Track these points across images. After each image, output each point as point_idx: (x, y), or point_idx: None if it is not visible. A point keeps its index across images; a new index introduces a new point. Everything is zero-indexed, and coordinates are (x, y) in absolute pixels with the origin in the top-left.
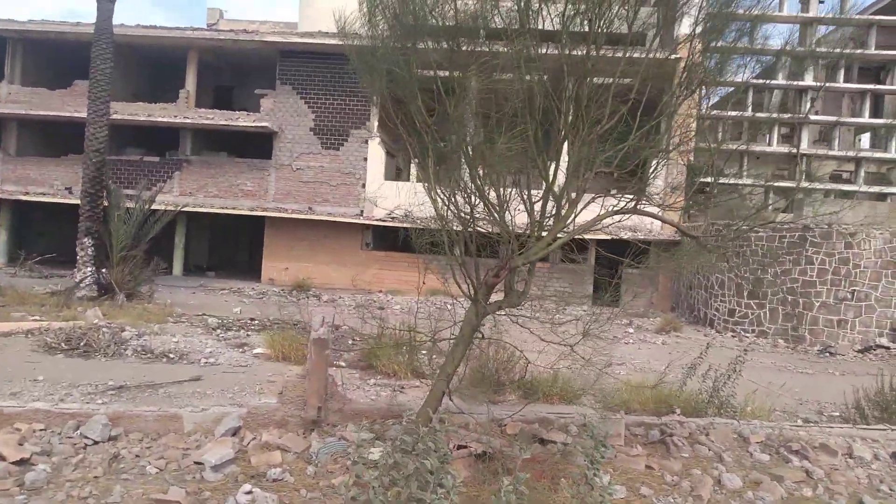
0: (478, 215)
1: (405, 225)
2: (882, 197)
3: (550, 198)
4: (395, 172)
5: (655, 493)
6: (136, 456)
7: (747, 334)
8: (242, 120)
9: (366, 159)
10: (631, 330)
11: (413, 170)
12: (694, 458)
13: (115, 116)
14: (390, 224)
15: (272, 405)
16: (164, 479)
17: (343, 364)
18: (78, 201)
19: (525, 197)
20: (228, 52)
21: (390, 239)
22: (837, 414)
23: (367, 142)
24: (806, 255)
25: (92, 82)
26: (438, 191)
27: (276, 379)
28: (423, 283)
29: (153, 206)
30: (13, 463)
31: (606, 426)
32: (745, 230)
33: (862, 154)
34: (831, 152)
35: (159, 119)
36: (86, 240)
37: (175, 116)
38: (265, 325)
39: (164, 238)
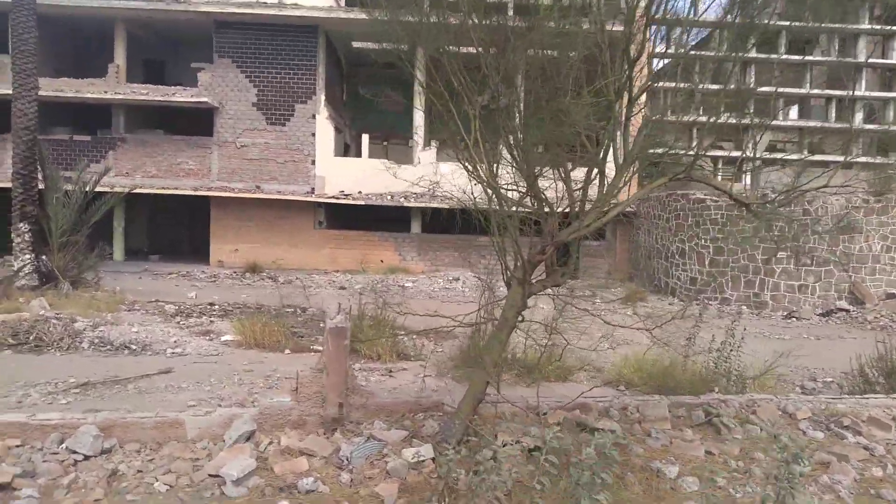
0: (521, 189)
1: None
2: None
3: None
4: (343, 148)
5: (729, 483)
6: (139, 471)
7: (710, 302)
8: (179, 95)
9: (314, 135)
10: (597, 301)
11: (365, 146)
12: (749, 440)
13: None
14: (343, 201)
15: (286, 404)
16: (179, 497)
17: (320, 349)
18: (2, 184)
19: (563, 172)
20: (159, 24)
21: (343, 217)
22: (831, 380)
23: (314, 117)
24: (766, 222)
25: (15, 54)
26: (478, 164)
27: (252, 368)
28: (382, 261)
29: (96, 188)
30: None
31: (651, 409)
32: (794, 196)
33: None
34: (777, 122)
35: (88, 95)
36: (21, 225)
37: (105, 92)
38: (227, 310)
39: (102, 221)
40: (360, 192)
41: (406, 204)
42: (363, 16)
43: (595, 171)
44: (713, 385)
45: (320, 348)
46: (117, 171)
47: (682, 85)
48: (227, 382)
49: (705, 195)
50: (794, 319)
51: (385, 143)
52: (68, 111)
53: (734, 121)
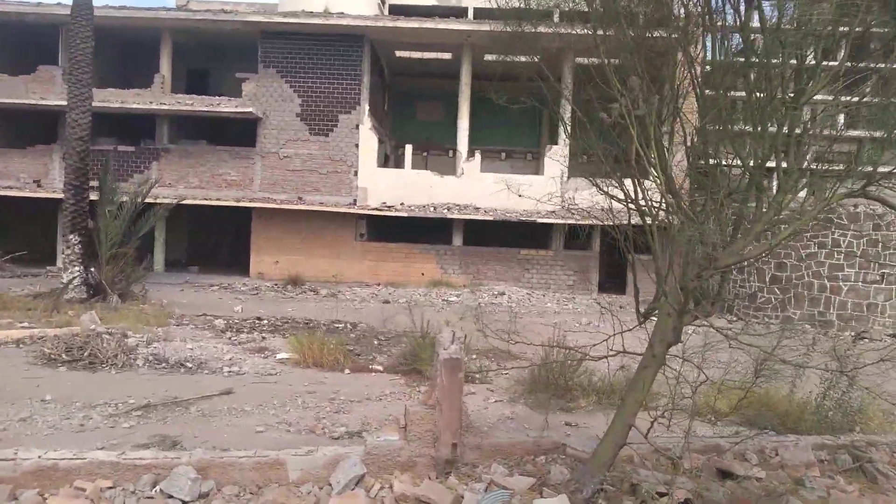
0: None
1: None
2: None
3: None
4: (384, 159)
5: None
6: None
7: (771, 320)
8: (224, 106)
9: (357, 145)
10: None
11: (408, 157)
12: None
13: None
14: (386, 213)
15: (394, 443)
16: None
17: (380, 368)
18: (46, 195)
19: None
20: (204, 34)
21: (384, 229)
22: None
23: (357, 127)
24: (832, 237)
25: (72, 63)
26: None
27: (314, 389)
28: (423, 273)
29: (144, 200)
30: None
31: (792, 452)
32: None
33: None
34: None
35: (134, 106)
36: (72, 237)
37: (151, 103)
38: (276, 325)
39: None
40: (402, 204)
41: (449, 216)
42: (409, 24)
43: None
44: (824, 420)
45: (379, 368)
46: (161, 181)
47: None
48: (292, 405)
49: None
50: (865, 340)
51: (425, 154)
52: (111, 121)
53: None
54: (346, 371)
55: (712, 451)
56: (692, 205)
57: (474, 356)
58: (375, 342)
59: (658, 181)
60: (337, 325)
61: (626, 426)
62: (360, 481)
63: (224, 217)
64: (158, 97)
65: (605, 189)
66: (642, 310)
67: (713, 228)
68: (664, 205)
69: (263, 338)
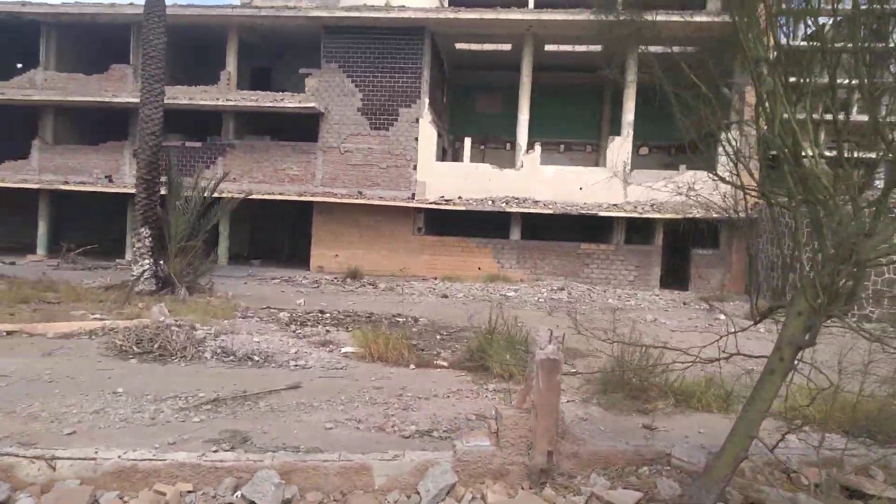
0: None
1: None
2: None
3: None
4: (441, 153)
5: None
6: None
7: (847, 319)
8: (287, 101)
9: (416, 139)
10: (722, 317)
11: (467, 150)
12: None
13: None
14: (444, 207)
15: (486, 449)
16: None
17: (445, 364)
18: (117, 189)
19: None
20: (268, 31)
21: (440, 223)
22: None
23: (417, 121)
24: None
25: (145, 59)
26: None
27: (381, 385)
28: (479, 268)
29: (212, 195)
30: None
31: None
32: None
33: None
34: None
35: (201, 102)
36: (143, 230)
37: (217, 99)
38: (339, 319)
39: None
40: (460, 198)
41: (507, 209)
42: (470, 15)
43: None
44: None
45: (444, 363)
46: (226, 176)
47: None
48: (360, 401)
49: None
50: None
51: (482, 147)
52: (179, 118)
53: None
54: (411, 366)
55: (830, 465)
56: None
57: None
58: (438, 337)
59: (790, 161)
60: (398, 319)
61: (748, 438)
62: (450, 490)
63: (285, 211)
64: (225, 93)
65: (719, 177)
66: (760, 307)
67: (850, 216)
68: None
69: (328, 331)
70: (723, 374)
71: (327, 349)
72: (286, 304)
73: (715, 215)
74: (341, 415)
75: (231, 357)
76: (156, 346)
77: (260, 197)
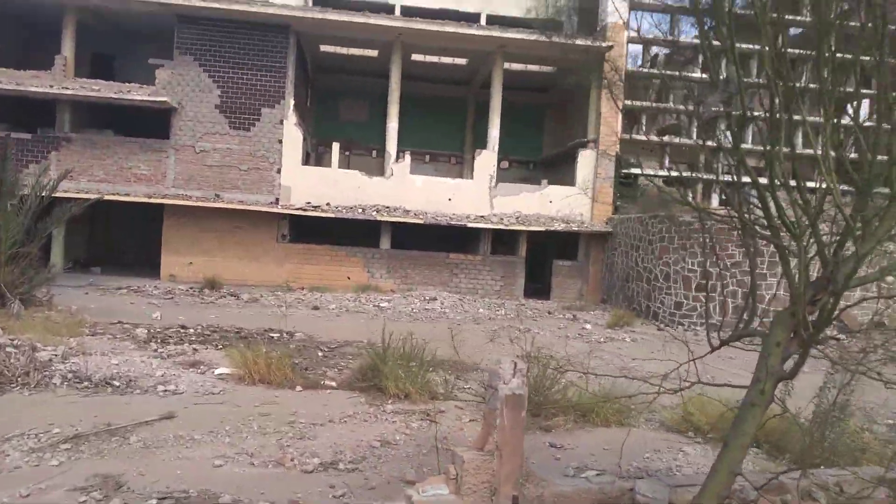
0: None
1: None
2: None
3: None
4: (305, 157)
5: None
6: None
7: (697, 328)
8: (135, 93)
9: (280, 142)
10: (588, 327)
11: (335, 155)
12: None
13: None
14: (312, 214)
15: (446, 498)
16: None
17: (334, 384)
18: None
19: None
20: (113, 15)
21: (307, 231)
22: None
23: (282, 122)
24: (756, 247)
25: None
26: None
27: (268, 411)
28: (349, 277)
29: (52, 194)
30: None
31: (856, 488)
32: None
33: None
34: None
35: (31, 89)
36: None
37: (52, 87)
38: (205, 335)
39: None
40: (328, 205)
41: (378, 218)
42: (339, 17)
43: None
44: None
45: (333, 384)
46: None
47: None
48: (247, 431)
49: (693, 217)
50: None
51: (347, 154)
52: (5, 106)
53: None
54: (298, 388)
55: (774, 492)
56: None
57: (431, 369)
58: (320, 354)
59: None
60: (272, 335)
61: (731, 474)
62: None
63: (130, 213)
64: (60, 81)
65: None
66: (720, 334)
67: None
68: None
69: (195, 350)
70: (618, 385)
71: (198, 371)
72: (140, 319)
73: (575, 228)
74: (229, 448)
75: (86, 383)
76: None
77: (105, 197)
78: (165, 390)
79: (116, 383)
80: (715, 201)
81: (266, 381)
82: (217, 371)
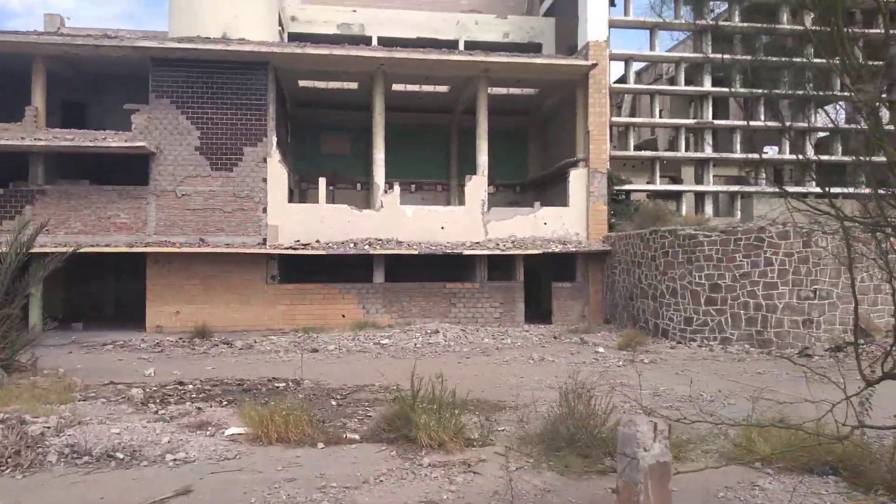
0: None
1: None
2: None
3: None
4: (288, 195)
5: None
6: None
7: (710, 342)
8: (111, 140)
9: (265, 180)
10: (601, 350)
11: (322, 190)
12: None
13: None
14: (301, 252)
15: None
16: None
17: (357, 437)
18: None
19: None
20: (84, 62)
21: (297, 270)
22: None
23: (265, 160)
24: (765, 256)
25: None
26: None
27: (294, 476)
28: (343, 315)
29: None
30: None
31: None
32: None
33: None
34: (732, 155)
35: (2, 142)
36: None
37: (23, 139)
38: (206, 390)
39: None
40: (317, 241)
41: (371, 251)
42: (319, 51)
43: None
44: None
45: (356, 437)
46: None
47: None
48: (276, 502)
49: (696, 230)
50: (809, 357)
51: (331, 188)
52: None
53: None
54: (320, 445)
55: None
56: None
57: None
58: (333, 403)
59: None
60: (277, 385)
61: None
62: None
63: (108, 263)
64: (31, 132)
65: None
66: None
67: None
68: None
69: (199, 409)
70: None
71: (207, 433)
72: (132, 377)
73: (573, 249)
74: None
75: (86, 457)
76: None
77: (87, 250)
78: (175, 459)
79: (120, 455)
80: (709, 210)
81: (284, 439)
82: (228, 431)
